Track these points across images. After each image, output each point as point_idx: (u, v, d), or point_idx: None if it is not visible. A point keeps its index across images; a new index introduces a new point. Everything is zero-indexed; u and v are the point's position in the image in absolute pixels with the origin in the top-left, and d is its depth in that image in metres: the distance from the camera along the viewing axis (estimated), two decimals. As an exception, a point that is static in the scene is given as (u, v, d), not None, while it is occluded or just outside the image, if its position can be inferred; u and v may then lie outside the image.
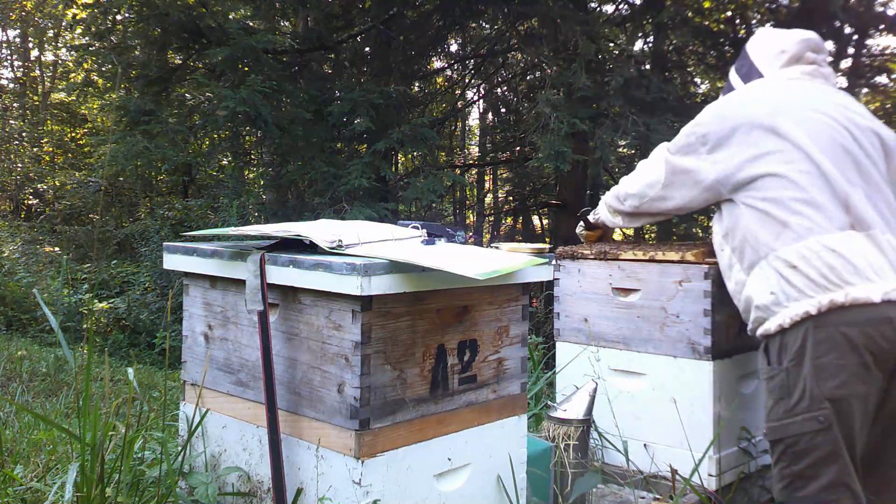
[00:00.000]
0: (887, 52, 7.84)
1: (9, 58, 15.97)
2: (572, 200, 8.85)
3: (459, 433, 1.80)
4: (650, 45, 8.64)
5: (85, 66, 12.63)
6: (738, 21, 8.40)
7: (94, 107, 14.48)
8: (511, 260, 1.83)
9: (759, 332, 2.14)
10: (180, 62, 8.48)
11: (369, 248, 1.75)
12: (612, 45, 8.32)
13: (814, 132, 2.13)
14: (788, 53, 2.36)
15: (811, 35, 2.40)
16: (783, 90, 2.30)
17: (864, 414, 1.99)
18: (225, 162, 11.04)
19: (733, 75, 2.50)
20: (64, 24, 14.35)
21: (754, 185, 2.15)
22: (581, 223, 2.95)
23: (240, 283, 1.81)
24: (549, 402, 2.73)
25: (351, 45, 9.26)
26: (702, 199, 2.32)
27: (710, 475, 2.52)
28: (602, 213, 2.74)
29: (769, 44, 2.41)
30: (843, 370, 1.97)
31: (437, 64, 11.61)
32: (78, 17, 9.92)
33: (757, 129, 2.17)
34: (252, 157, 11.04)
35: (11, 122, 15.09)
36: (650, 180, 2.42)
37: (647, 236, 11.62)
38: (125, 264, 10.23)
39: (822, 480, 2.01)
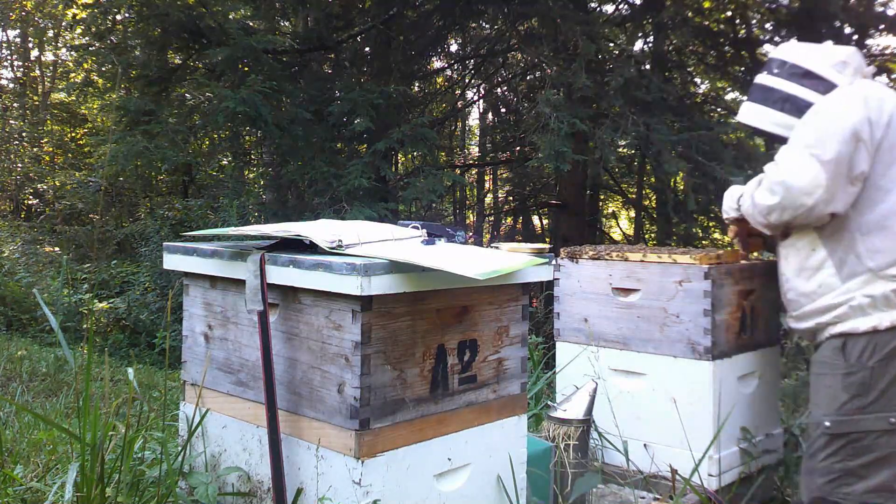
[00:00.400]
0: (887, 52, 7.84)
1: (9, 58, 15.97)
2: (572, 200, 8.85)
3: (459, 433, 1.80)
4: (650, 45, 8.63)
5: (85, 66, 12.63)
6: (738, 21, 8.40)
7: (94, 107, 14.47)
8: (511, 260, 1.83)
9: (839, 329, 2.20)
10: (180, 62, 8.48)
11: (369, 248, 1.75)
12: (612, 45, 8.30)
13: None
14: (852, 65, 2.37)
15: (855, 48, 2.44)
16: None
17: None
18: (225, 162, 11.04)
19: (791, 86, 2.40)
20: (64, 24, 14.34)
21: (878, 196, 2.18)
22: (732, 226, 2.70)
23: (240, 283, 1.81)
24: (549, 402, 2.73)
25: (351, 45, 9.26)
26: (850, 201, 2.23)
27: (710, 475, 2.53)
28: (748, 212, 2.46)
29: (825, 55, 2.39)
30: None
31: (437, 64, 11.61)
32: (78, 17, 9.91)
33: (893, 135, 2.19)
34: (252, 157, 11.04)
35: (11, 122, 15.08)
36: (803, 185, 2.19)
37: (647, 236, 11.62)
38: (125, 264, 10.22)
39: (871, 482, 2.10)
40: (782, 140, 2.39)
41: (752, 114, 2.51)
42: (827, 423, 2.18)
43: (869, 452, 2.11)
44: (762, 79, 2.50)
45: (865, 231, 2.18)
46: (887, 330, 2.12)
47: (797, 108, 2.37)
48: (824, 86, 2.35)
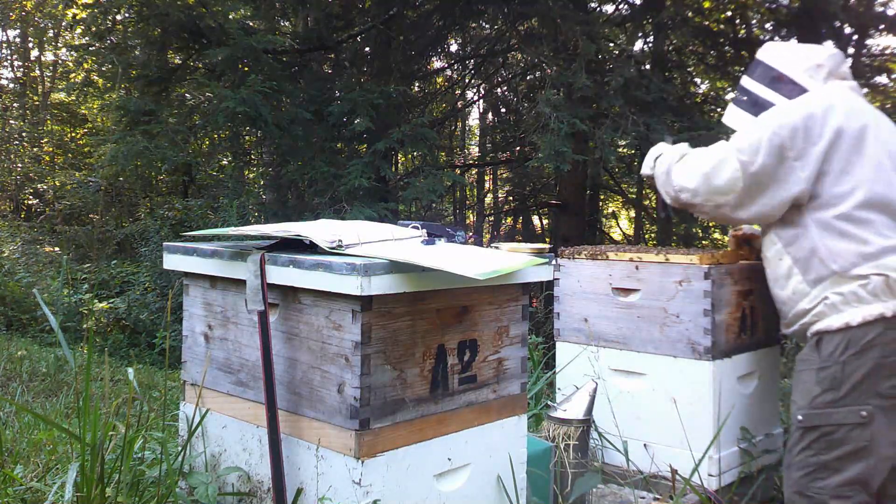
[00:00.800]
0: (887, 52, 7.83)
1: (9, 58, 15.97)
2: (572, 200, 8.85)
3: (459, 433, 1.80)
4: (650, 45, 8.63)
5: (85, 66, 12.64)
6: (738, 21, 8.40)
7: (94, 107, 14.48)
8: (511, 260, 1.83)
9: (815, 328, 2.23)
10: (180, 62, 8.48)
11: (369, 248, 1.75)
12: (612, 45, 8.31)
13: (891, 154, 2.24)
14: (826, 68, 2.38)
15: (836, 50, 2.46)
16: (858, 104, 2.32)
17: None
18: (225, 162, 11.04)
19: (762, 89, 2.46)
20: (64, 24, 14.35)
21: (833, 200, 2.20)
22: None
23: (240, 283, 1.81)
24: (549, 402, 2.73)
25: (351, 45, 9.26)
26: (780, 210, 2.29)
27: (710, 475, 2.53)
28: (659, 177, 2.57)
29: (800, 58, 2.42)
30: None
31: (437, 64, 11.61)
32: (78, 17, 9.92)
33: (845, 143, 2.21)
34: (252, 157, 11.04)
35: (11, 122, 15.09)
36: (720, 184, 2.31)
37: (647, 236, 11.62)
38: (125, 264, 10.22)
39: (845, 475, 2.11)
40: None
41: (729, 115, 2.57)
42: (799, 417, 2.20)
43: (842, 446, 2.12)
44: (742, 80, 2.54)
45: (825, 236, 2.20)
46: (859, 326, 2.13)
47: (761, 111, 2.41)
48: (794, 90, 2.38)
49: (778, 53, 2.47)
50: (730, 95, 9.49)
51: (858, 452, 2.10)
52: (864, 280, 2.13)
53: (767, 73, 2.45)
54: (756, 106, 2.44)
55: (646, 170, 2.64)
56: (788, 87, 2.39)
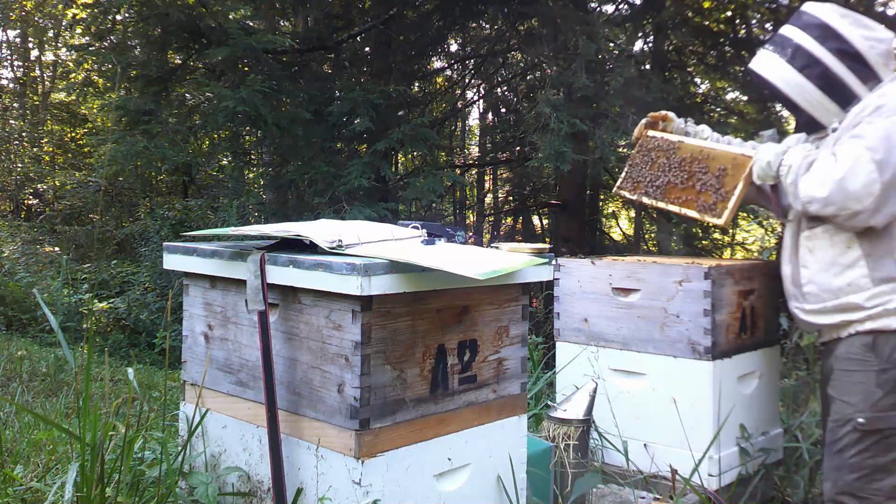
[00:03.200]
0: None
1: (9, 58, 15.96)
2: (572, 200, 8.84)
3: (459, 433, 1.80)
4: (650, 45, 8.63)
5: (85, 66, 12.63)
6: (738, 21, 8.39)
7: (94, 107, 14.46)
8: (511, 260, 1.83)
9: (868, 326, 2.19)
10: (180, 62, 8.47)
11: (369, 248, 1.75)
12: (612, 45, 8.30)
13: None
14: (891, 56, 2.29)
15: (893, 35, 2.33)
16: None
17: None
18: (225, 162, 11.02)
19: (837, 64, 2.26)
20: (64, 24, 14.34)
21: None
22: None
23: (240, 283, 1.81)
24: (549, 402, 2.73)
25: (351, 45, 9.25)
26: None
27: (710, 475, 2.53)
28: (771, 161, 2.38)
29: (874, 42, 2.26)
30: None
31: (437, 64, 11.60)
32: (78, 17, 9.92)
33: None
34: (252, 157, 11.03)
35: (11, 122, 15.09)
36: (856, 189, 2.12)
37: (647, 236, 11.61)
38: (125, 264, 10.21)
39: None
40: (798, 109, 2.32)
41: (779, 73, 2.33)
42: (861, 420, 2.19)
43: None
44: (800, 38, 2.32)
45: None
46: None
47: (842, 95, 2.27)
48: (869, 76, 2.26)
49: (849, 25, 2.27)
50: (730, 95, 9.50)
51: None
52: None
53: (842, 47, 2.25)
54: (831, 84, 2.26)
55: (767, 179, 2.42)
56: (865, 71, 2.26)
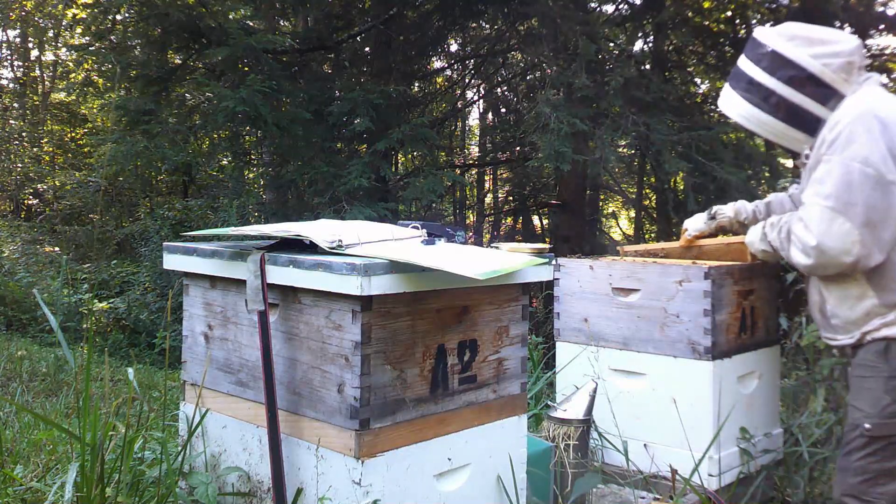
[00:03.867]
0: (887, 52, 7.83)
1: (9, 58, 15.96)
2: (572, 200, 8.84)
3: (459, 433, 1.80)
4: (650, 45, 8.63)
5: (85, 66, 12.63)
6: (738, 21, 8.40)
7: (94, 107, 14.46)
8: (511, 260, 1.83)
9: (882, 333, 2.19)
10: (180, 62, 8.47)
11: (369, 248, 1.75)
12: (612, 45, 8.31)
13: None
14: (856, 65, 2.23)
15: (855, 40, 2.28)
16: None
17: None
18: (225, 162, 11.02)
19: (792, 93, 2.23)
20: (64, 24, 14.34)
21: None
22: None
23: (240, 283, 1.81)
24: (549, 402, 2.73)
25: (351, 45, 9.26)
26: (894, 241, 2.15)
27: (710, 475, 2.52)
28: (759, 242, 2.45)
29: (828, 56, 2.21)
30: None
31: (437, 64, 11.60)
32: (78, 17, 9.92)
33: None
34: (252, 157, 11.03)
35: (11, 122, 15.09)
36: (837, 246, 2.11)
37: (647, 236, 11.62)
38: (125, 264, 10.21)
39: None
40: (769, 141, 2.35)
41: (739, 111, 2.34)
42: (867, 426, 2.19)
43: None
44: (752, 70, 2.30)
45: None
46: None
47: (805, 122, 2.23)
48: (830, 96, 2.21)
49: (798, 49, 2.22)
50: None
51: None
52: None
53: (792, 71, 2.22)
54: (790, 112, 2.23)
55: (772, 257, 2.47)
56: (822, 91, 2.21)
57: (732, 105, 2.36)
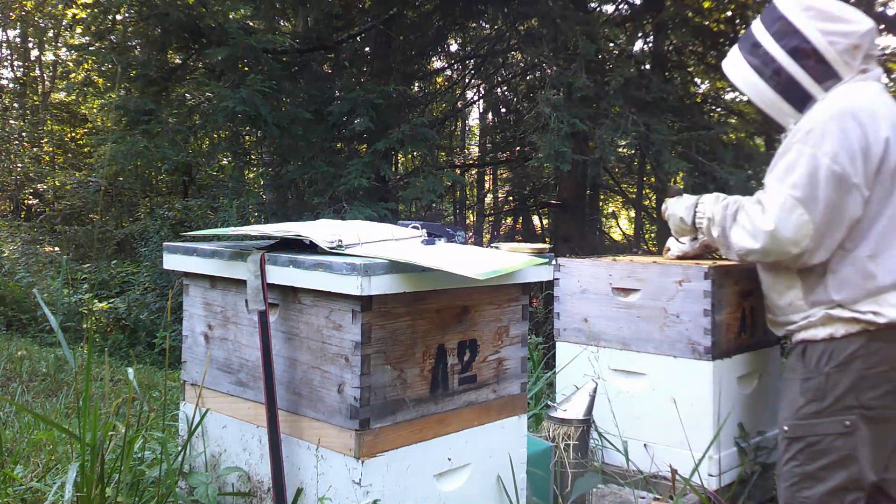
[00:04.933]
0: (887, 51, 7.83)
1: (9, 58, 15.96)
2: (572, 200, 8.84)
3: (459, 433, 1.80)
4: (650, 45, 8.64)
5: (85, 66, 12.62)
6: (738, 21, 8.40)
7: (94, 107, 14.46)
8: (511, 260, 1.83)
9: (800, 336, 2.20)
10: (180, 62, 8.48)
11: (369, 248, 1.75)
12: (612, 45, 8.31)
13: None
14: (863, 50, 2.17)
15: (870, 23, 2.21)
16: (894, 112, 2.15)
17: None
18: (225, 162, 11.03)
19: (788, 60, 2.17)
20: (64, 24, 14.35)
21: (863, 233, 2.10)
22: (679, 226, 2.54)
23: (240, 283, 1.81)
24: (549, 402, 2.73)
25: (351, 45, 9.26)
26: (835, 247, 2.11)
27: (710, 475, 2.53)
28: (682, 210, 2.45)
29: (836, 34, 2.15)
30: (887, 382, 2.06)
31: (437, 64, 11.60)
32: (78, 17, 9.92)
33: (890, 165, 2.08)
34: (252, 157, 11.03)
35: (11, 122, 15.09)
36: (789, 236, 2.08)
37: (647, 236, 11.62)
38: (125, 264, 10.22)
39: (829, 484, 2.09)
40: (760, 111, 2.30)
41: (740, 74, 2.28)
42: (785, 428, 2.19)
43: (825, 456, 2.10)
44: (761, 35, 2.24)
45: (836, 266, 2.12)
46: (843, 338, 2.11)
47: (797, 96, 2.18)
48: (829, 76, 2.16)
49: (810, 21, 2.16)
50: (730, 95, 9.50)
51: (841, 461, 2.09)
52: (860, 314, 2.09)
53: (795, 41, 2.16)
54: (786, 84, 2.18)
55: (684, 228, 2.46)
56: (822, 69, 2.16)
57: (735, 67, 2.31)
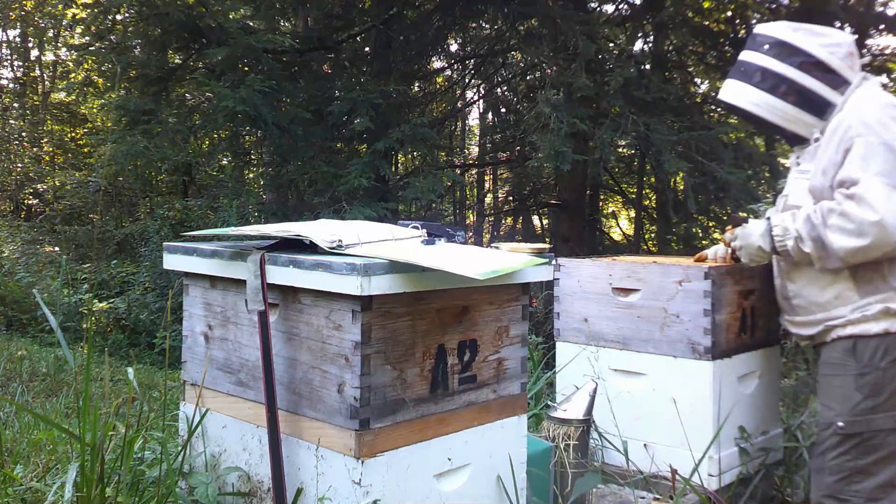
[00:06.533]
0: (887, 52, 7.83)
1: (9, 58, 15.96)
2: (572, 200, 8.84)
3: (459, 433, 1.80)
4: (650, 45, 8.63)
5: (85, 66, 12.62)
6: (738, 21, 8.40)
7: (94, 107, 14.46)
8: (511, 260, 1.83)
9: (849, 331, 2.22)
10: (180, 62, 8.47)
11: (369, 248, 1.75)
12: (612, 45, 8.31)
13: None
14: (856, 57, 2.33)
15: (850, 35, 2.40)
16: None
17: None
18: (225, 162, 11.03)
19: (806, 78, 2.28)
20: (64, 24, 14.34)
21: None
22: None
23: (240, 283, 1.81)
24: (549, 402, 2.73)
25: (351, 45, 9.25)
26: None
27: (710, 475, 2.53)
28: (758, 238, 2.37)
29: (832, 45, 2.31)
30: None
31: (437, 64, 11.60)
32: (78, 17, 9.91)
33: None
34: (252, 157, 11.03)
35: (11, 122, 15.08)
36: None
37: (646, 236, 11.62)
38: (125, 264, 10.21)
39: (880, 478, 2.15)
40: (777, 129, 2.37)
41: (749, 99, 2.35)
42: (840, 424, 2.21)
43: (878, 450, 2.16)
44: (761, 60, 2.34)
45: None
46: None
47: (817, 105, 2.29)
48: (837, 80, 2.30)
49: (806, 38, 2.31)
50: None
51: (892, 456, 2.16)
52: None
53: (801, 57, 2.28)
54: (800, 95, 2.28)
55: (761, 257, 2.41)
56: (832, 77, 2.29)
57: (741, 94, 2.39)
